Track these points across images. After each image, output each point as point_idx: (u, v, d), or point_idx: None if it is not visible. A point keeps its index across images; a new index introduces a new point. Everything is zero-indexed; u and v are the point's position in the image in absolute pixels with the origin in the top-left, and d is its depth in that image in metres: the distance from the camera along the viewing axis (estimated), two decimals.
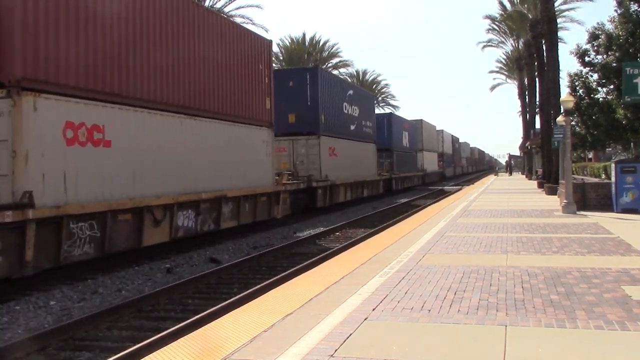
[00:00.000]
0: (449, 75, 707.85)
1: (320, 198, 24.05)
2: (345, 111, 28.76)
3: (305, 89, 24.62)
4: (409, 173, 45.37)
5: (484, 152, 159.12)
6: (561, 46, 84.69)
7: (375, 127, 35.29)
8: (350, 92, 30.21)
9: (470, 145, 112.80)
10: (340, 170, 26.55)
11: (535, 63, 36.80)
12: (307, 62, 52.06)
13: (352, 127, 29.84)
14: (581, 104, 28.43)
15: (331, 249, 14.08)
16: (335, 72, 56.18)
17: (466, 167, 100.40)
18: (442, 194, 36.55)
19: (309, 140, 24.43)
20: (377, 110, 44.91)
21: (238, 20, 34.23)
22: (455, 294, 6.39)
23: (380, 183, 35.67)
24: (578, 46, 28.46)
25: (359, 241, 14.01)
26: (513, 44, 53.86)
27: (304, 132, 24.47)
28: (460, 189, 37.37)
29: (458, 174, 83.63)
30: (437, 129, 65.00)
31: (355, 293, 6.50)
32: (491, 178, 57.06)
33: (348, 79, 59.93)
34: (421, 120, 55.13)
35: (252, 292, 9.26)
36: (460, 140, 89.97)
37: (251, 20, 37.89)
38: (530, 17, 36.44)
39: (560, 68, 33.71)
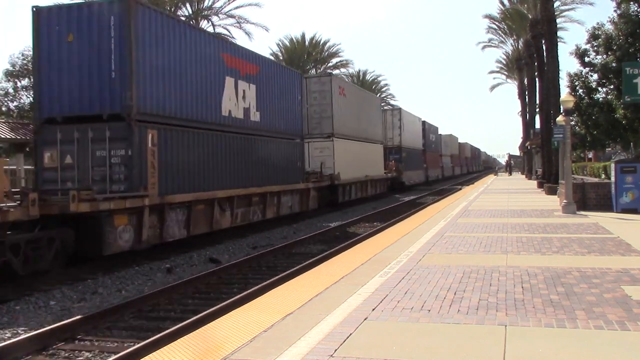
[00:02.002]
0: (449, 76, 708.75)
1: None
2: None
3: None
4: (254, 188, 18.02)
5: (478, 149, 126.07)
6: (561, 46, 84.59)
7: None
8: None
9: (460, 140, 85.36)
10: None
11: (535, 63, 36.79)
12: (307, 62, 52.05)
13: None
14: (581, 104, 28.41)
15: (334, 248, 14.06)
16: (335, 71, 56.13)
17: (450, 168, 71.38)
18: None
19: None
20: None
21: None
22: (455, 294, 6.39)
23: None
24: (577, 47, 28.44)
25: (359, 241, 14.01)
26: (513, 44, 53.88)
27: None
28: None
29: (433, 179, 55.81)
30: (394, 104, 41.47)
31: (355, 293, 6.50)
32: (490, 178, 57.06)
33: (346, 78, 59.53)
34: (330, 76, 28.48)
35: (252, 292, 9.27)
36: (440, 132, 64.20)
37: (247, 20, 37.74)
38: (530, 17, 36.43)
39: (560, 68, 33.70)
